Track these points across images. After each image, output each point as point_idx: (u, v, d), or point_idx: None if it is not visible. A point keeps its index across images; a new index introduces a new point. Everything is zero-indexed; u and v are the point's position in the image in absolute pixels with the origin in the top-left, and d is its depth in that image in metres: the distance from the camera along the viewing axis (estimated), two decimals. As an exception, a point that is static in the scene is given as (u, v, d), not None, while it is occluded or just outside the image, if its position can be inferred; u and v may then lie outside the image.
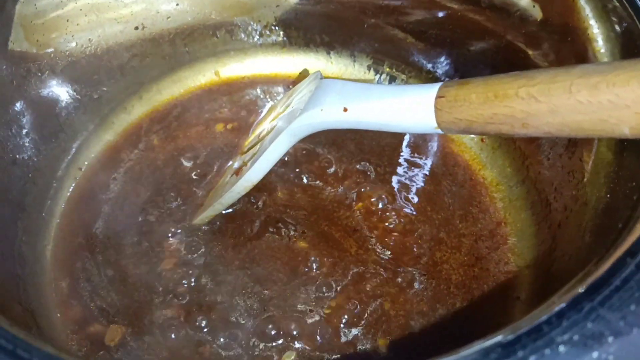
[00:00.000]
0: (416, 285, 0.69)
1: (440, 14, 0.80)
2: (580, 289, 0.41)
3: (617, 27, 0.59)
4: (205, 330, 0.64)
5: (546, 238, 0.71)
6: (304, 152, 0.80)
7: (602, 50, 0.61)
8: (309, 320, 0.65)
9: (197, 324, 0.65)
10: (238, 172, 0.71)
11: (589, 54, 0.62)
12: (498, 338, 0.39)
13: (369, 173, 0.78)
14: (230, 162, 0.78)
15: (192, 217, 0.73)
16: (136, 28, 0.81)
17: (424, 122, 0.54)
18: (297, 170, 0.78)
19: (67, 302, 0.67)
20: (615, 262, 0.42)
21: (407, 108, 0.55)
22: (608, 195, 0.58)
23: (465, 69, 0.83)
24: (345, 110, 0.60)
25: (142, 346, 0.63)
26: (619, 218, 0.51)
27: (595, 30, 0.61)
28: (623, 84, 0.39)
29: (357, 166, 0.79)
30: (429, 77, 0.86)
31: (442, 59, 0.84)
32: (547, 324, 0.39)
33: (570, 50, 0.67)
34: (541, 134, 0.46)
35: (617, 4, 0.58)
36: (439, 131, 0.54)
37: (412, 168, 0.80)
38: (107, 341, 0.64)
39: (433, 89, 0.53)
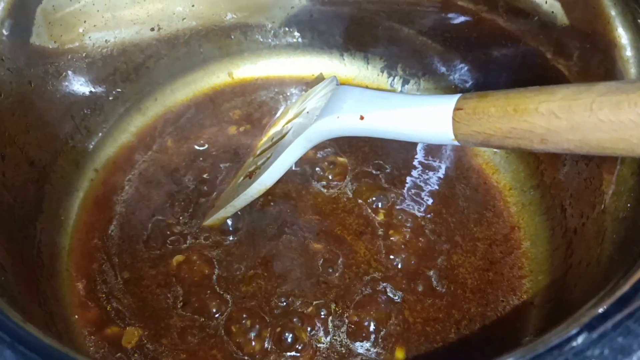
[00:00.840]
0: (433, 289, 0.69)
1: (457, 18, 0.80)
2: (609, 303, 0.41)
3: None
4: (222, 331, 0.65)
5: (561, 244, 0.71)
6: (320, 153, 0.80)
7: (631, 61, 0.61)
8: (328, 326, 0.66)
9: (213, 325, 0.65)
10: (251, 175, 0.71)
11: (617, 62, 0.62)
12: (528, 350, 0.39)
13: (383, 175, 0.78)
14: (243, 164, 0.78)
15: (204, 219, 0.73)
16: (152, 29, 0.81)
17: (441, 133, 0.54)
18: (313, 173, 0.78)
19: (84, 304, 0.67)
20: (642, 276, 0.42)
21: (424, 118, 0.55)
22: (629, 205, 0.58)
23: (481, 73, 0.83)
24: (361, 118, 0.60)
25: (158, 348, 0.64)
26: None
27: (624, 40, 0.61)
28: None
29: (372, 169, 0.79)
30: (443, 81, 0.86)
31: (457, 62, 0.84)
32: (578, 337, 0.39)
33: (595, 57, 0.66)
34: (560, 151, 0.46)
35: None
36: (456, 143, 0.54)
37: (427, 171, 0.80)
38: (124, 343, 0.65)
39: (452, 100, 0.53)
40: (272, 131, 0.79)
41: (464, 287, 0.70)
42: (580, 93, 0.43)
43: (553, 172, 0.75)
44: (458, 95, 0.53)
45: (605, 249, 0.59)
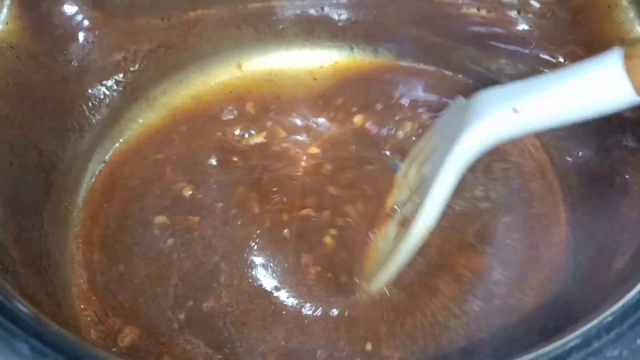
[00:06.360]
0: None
1: (471, 25, 0.81)
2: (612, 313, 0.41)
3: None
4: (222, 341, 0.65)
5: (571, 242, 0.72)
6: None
7: None
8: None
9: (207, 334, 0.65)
10: (404, 223, 0.65)
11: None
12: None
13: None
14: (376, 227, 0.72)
15: (366, 284, 0.68)
16: (162, 19, 0.80)
17: (616, 94, 0.48)
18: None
19: (87, 295, 0.68)
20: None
21: (589, 85, 0.49)
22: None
23: (488, 74, 0.84)
24: (515, 111, 0.54)
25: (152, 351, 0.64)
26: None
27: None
28: None
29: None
30: (453, 79, 0.86)
31: (468, 62, 0.85)
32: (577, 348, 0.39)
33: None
34: None
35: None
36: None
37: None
38: (119, 340, 0.64)
39: (611, 54, 0.48)
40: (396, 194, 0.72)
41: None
42: None
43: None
44: (616, 48, 0.48)
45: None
